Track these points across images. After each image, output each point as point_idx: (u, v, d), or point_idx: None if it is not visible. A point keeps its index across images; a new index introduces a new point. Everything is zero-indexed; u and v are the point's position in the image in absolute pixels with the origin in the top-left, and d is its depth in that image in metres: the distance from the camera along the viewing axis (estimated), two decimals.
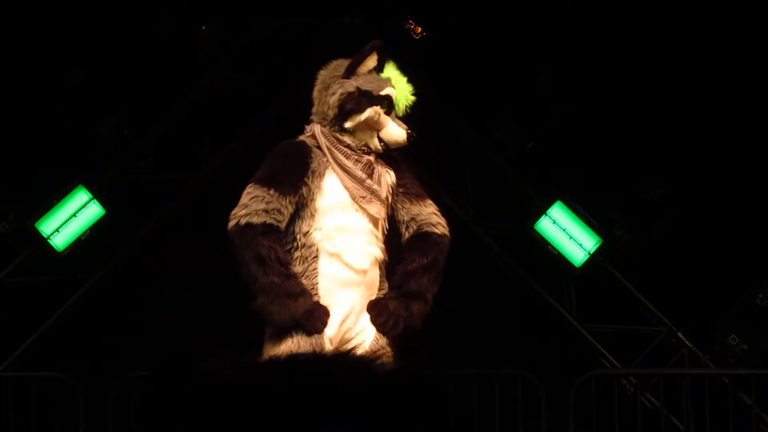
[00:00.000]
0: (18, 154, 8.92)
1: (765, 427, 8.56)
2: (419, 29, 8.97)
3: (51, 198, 8.61)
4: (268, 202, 5.44)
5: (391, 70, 5.69)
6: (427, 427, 2.17)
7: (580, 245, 8.71)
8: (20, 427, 8.23)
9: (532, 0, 9.11)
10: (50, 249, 8.63)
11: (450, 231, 5.83)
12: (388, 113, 5.63)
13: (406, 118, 5.72)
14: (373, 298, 5.69)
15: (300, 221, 5.56)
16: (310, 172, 5.56)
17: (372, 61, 5.66)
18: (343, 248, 5.57)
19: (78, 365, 8.63)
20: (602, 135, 9.01)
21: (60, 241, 8.64)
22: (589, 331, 8.86)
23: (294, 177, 5.53)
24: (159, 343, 8.70)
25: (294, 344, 5.47)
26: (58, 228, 8.61)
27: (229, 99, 8.97)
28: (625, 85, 9.01)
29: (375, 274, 5.70)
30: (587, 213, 8.72)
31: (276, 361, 2.31)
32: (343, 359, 2.29)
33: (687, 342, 8.81)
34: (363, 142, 5.63)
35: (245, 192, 5.51)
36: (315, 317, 5.47)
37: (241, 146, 8.95)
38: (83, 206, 8.62)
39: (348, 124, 5.58)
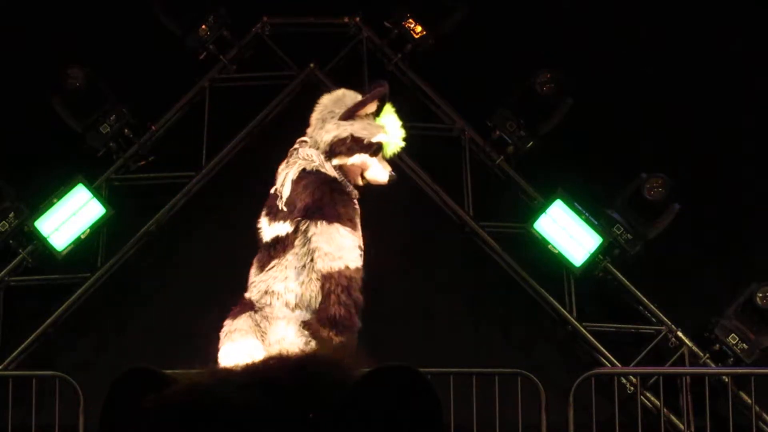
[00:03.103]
0: (18, 153, 8.92)
1: (765, 427, 8.56)
2: (419, 29, 8.96)
3: (50, 197, 8.60)
4: (359, 249, 5.76)
5: (388, 114, 5.90)
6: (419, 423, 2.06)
7: (581, 245, 8.70)
8: (20, 426, 8.24)
9: None
10: (50, 248, 8.62)
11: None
12: (375, 155, 5.85)
13: None
14: None
15: None
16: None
17: (372, 107, 5.84)
18: None
19: (78, 365, 8.63)
20: (602, 135, 9.00)
21: (60, 240, 8.62)
22: (589, 331, 8.86)
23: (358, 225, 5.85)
24: (159, 344, 8.70)
25: None
26: (58, 227, 8.60)
27: (229, 99, 8.97)
28: (625, 85, 9.01)
29: None
30: (587, 212, 8.71)
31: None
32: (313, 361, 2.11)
33: (687, 341, 8.80)
34: (348, 178, 5.89)
35: (340, 230, 5.70)
36: None
37: (241, 146, 8.96)
38: (83, 205, 8.61)
39: (335, 162, 5.82)
